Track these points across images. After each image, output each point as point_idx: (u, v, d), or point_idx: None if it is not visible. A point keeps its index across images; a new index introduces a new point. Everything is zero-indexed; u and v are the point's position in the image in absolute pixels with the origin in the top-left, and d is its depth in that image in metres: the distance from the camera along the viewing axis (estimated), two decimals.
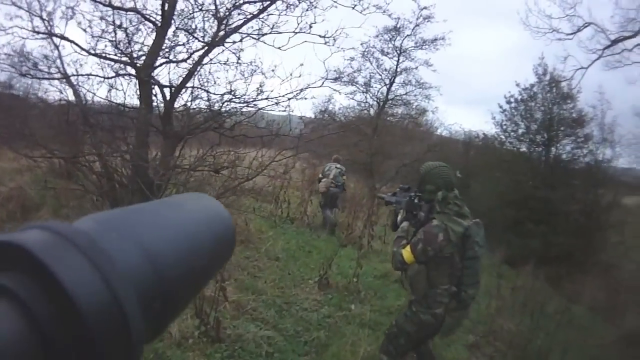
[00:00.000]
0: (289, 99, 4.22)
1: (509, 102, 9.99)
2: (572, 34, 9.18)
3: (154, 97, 4.21)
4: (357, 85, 13.51)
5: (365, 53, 13.41)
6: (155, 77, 4.18)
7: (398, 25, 12.91)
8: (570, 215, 8.87)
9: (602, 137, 9.63)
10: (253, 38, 4.32)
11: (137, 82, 4.07)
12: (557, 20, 9.73)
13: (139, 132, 4.07)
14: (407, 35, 13.20)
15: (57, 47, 4.46)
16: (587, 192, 9.34)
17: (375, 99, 14.06)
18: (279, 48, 4.23)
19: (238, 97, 4.24)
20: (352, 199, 8.00)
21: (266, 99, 4.26)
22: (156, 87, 4.18)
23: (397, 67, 13.56)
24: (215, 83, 4.32)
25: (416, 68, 13.45)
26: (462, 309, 2.21)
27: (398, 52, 13.51)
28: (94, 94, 4.22)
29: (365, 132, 13.60)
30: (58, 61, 4.40)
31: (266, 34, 4.29)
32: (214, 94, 4.31)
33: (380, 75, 13.74)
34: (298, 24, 4.26)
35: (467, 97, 46.15)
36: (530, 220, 8.70)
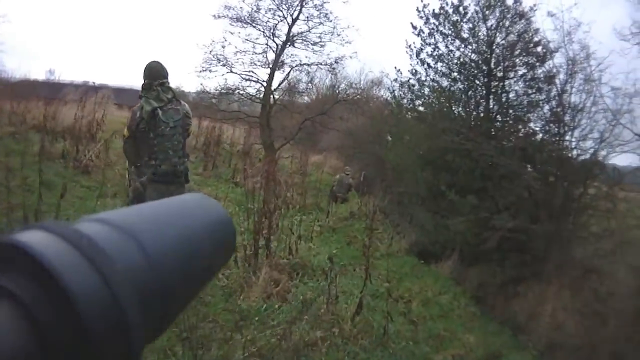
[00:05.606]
0: None
1: (425, 19, 6.64)
2: None
3: None
4: (259, 28, 10.77)
5: None
6: None
7: None
8: (519, 183, 5.41)
9: (570, 71, 6.27)
10: None
11: None
12: None
13: None
14: None
15: None
16: (550, 156, 5.93)
17: (276, 42, 11.17)
18: None
19: None
20: None
21: None
22: None
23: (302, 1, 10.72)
24: None
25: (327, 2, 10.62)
26: (161, 183, 2.60)
27: None
28: None
29: (263, 80, 10.91)
30: None
31: None
32: None
33: (282, 11, 10.90)
34: None
35: None
36: (451, 187, 5.25)
